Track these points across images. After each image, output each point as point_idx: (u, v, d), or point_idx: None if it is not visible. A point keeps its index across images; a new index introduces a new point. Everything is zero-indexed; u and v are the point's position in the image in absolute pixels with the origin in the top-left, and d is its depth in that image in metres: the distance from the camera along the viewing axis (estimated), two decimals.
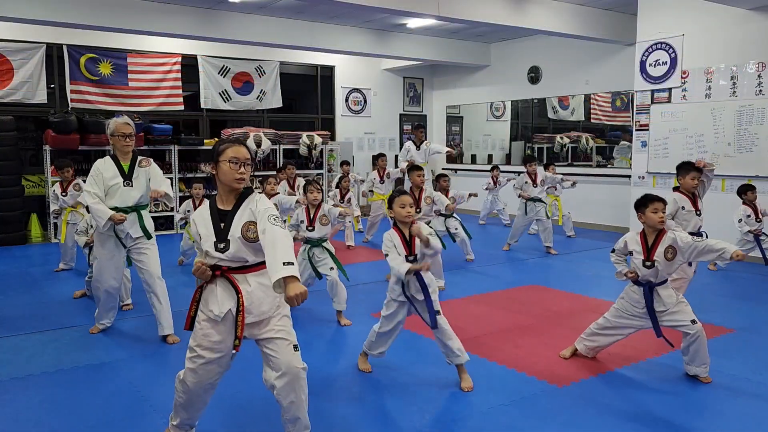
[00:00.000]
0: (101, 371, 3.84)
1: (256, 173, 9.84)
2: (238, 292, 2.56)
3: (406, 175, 6.51)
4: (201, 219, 2.65)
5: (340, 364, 3.96)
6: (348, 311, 4.91)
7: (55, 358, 4.06)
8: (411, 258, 3.46)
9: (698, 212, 4.82)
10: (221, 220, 2.60)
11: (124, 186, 4.28)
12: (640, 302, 3.65)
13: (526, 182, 7.85)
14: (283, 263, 2.28)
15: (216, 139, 10.37)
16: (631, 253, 3.71)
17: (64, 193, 6.56)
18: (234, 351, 2.66)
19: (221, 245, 2.56)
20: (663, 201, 3.67)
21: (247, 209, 2.60)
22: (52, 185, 7.02)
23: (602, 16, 8.94)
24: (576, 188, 8.79)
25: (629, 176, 8.79)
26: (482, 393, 3.45)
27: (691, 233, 4.37)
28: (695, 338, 3.55)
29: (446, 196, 6.44)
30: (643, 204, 3.71)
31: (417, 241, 3.45)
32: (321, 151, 11.04)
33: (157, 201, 4.75)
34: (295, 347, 2.62)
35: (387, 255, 3.48)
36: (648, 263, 3.59)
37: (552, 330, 4.64)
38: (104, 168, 4.28)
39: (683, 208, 4.80)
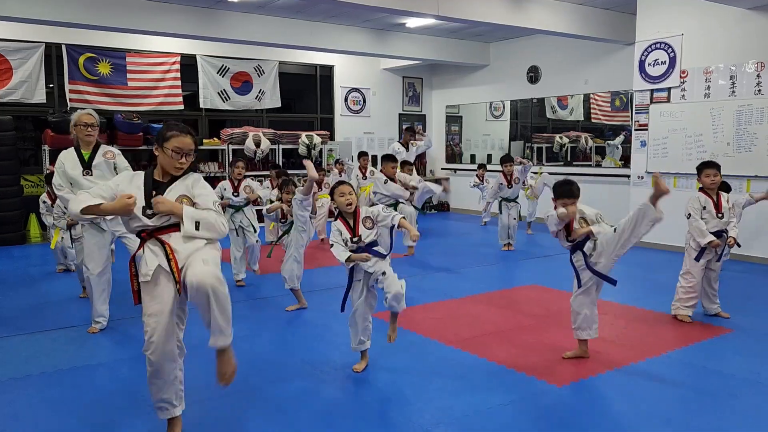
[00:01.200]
0: (100, 371, 3.83)
1: (256, 173, 9.85)
2: (163, 243, 2.70)
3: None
4: (131, 184, 2.77)
5: (336, 365, 3.95)
6: (333, 314, 4.92)
7: (54, 359, 4.05)
8: (356, 239, 3.64)
9: (720, 215, 4.75)
10: (154, 189, 2.74)
11: (84, 175, 4.35)
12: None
13: (501, 184, 8.06)
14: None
15: (215, 139, 10.39)
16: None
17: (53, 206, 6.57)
18: (178, 294, 2.72)
19: (149, 211, 2.71)
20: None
21: (183, 184, 2.79)
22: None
23: (601, 15, 8.94)
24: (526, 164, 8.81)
25: (628, 176, 8.80)
26: (482, 393, 3.45)
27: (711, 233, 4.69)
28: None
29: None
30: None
31: (360, 224, 3.68)
32: (320, 151, 11.04)
33: None
34: (204, 261, 2.65)
35: (332, 246, 3.66)
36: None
37: (552, 330, 4.64)
38: (65, 159, 4.39)
39: (704, 207, 4.76)
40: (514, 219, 8.07)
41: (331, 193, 3.77)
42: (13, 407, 3.32)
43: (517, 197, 8.18)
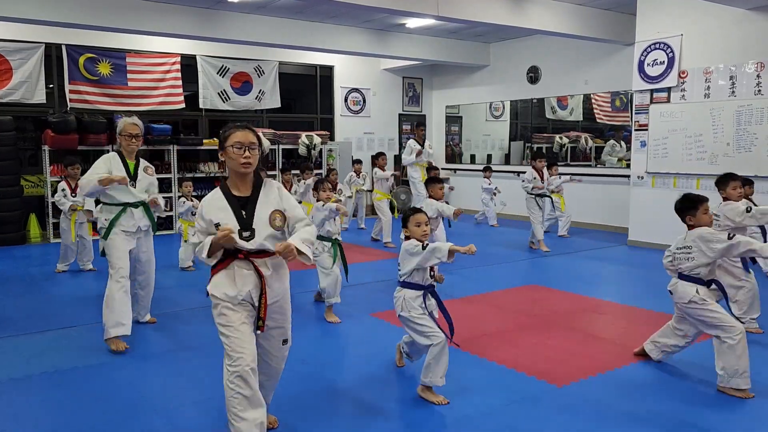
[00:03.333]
0: (101, 371, 3.83)
1: None
2: (260, 275, 2.58)
3: (425, 187, 6.27)
4: (215, 206, 2.58)
5: (339, 364, 3.96)
6: (348, 311, 4.91)
7: (54, 359, 4.05)
8: (431, 273, 3.47)
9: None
10: (242, 207, 2.57)
11: (129, 185, 4.42)
12: None
13: (534, 177, 8.02)
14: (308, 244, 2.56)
15: (215, 139, 10.38)
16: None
17: (74, 194, 6.54)
18: (259, 331, 2.63)
19: (246, 234, 2.54)
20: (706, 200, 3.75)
21: (270, 197, 2.62)
22: (53, 189, 6.94)
23: (601, 16, 8.94)
24: (577, 184, 8.97)
25: (628, 176, 8.80)
26: (482, 393, 3.45)
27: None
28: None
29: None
30: (692, 207, 3.70)
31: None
32: (320, 151, 11.05)
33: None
34: (285, 341, 2.76)
35: (425, 246, 3.34)
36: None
37: (551, 330, 4.64)
38: (114, 161, 4.42)
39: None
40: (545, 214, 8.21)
41: (405, 220, 3.48)
42: (13, 407, 3.33)
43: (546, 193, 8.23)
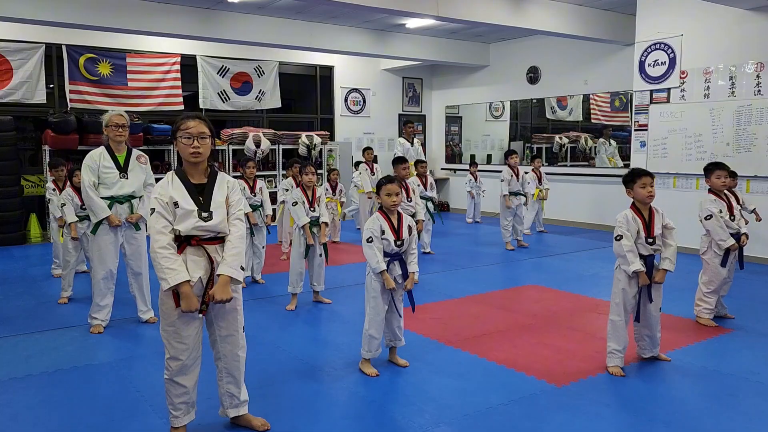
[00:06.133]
0: (101, 371, 3.83)
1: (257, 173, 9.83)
2: (211, 261, 2.71)
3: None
4: (174, 188, 2.71)
5: (337, 364, 3.96)
6: (342, 310, 4.92)
7: (54, 358, 4.05)
8: (399, 242, 3.61)
9: (732, 217, 4.64)
10: (198, 193, 2.72)
11: (120, 178, 4.45)
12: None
13: (511, 176, 8.02)
14: (239, 264, 2.72)
15: (216, 139, 10.37)
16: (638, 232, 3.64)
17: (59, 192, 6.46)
18: (200, 315, 2.75)
19: (205, 215, 2.69)
20: (651, 175, 3.66)
21: (223, 185, 2.79)
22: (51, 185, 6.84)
23: (601, 16, 8.95)
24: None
25: None
26: (482, 393, 3.45)
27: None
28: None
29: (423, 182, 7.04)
30: (631, 180, 3.68)
31: (404, 226, 3.64)
32: (320, 151, 11.05)
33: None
34: (242, 336, 2.91)
35: (369, 240, 3.59)
36: (650, 240, 3.62)
37: (551, 329, 4.65)
38: (99, 158, 4.43)
39: (720, 210, 4.60)
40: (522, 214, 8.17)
41: (378, 188, 3.72)
42: (13, 407, 3.32)
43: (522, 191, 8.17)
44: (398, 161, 6.12)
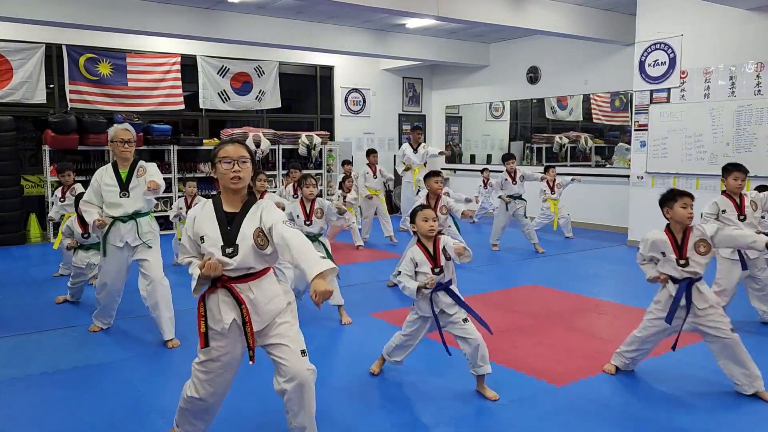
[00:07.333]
0: (101, 371, 3.84)
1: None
2: (240, 302, 2.48)
3: (422, 181, 6.23)
4: (204, 218, 2.52)
5: (337, 364, 3.96)
6: (347, 311, 4.91)
7: (54, 359, 4.05)
8: (437, 270, 3.35)
9: (742, 217, 4.56)
10: (228, 223, 2.49)
11: (121, 197, 4.27)
12: (676, 300, 3.38)
13: (506, 180, 7.96)
14: (321, 257, 2.30)
15: (215, 139, 10.40)
16: (663, 254, 3.43)
17: (62, 199, 6.43)
18: (250, 362, 2.56)
19: (229, 250, 2.45)
20: (691, 196, 3.41)
21: (256, 215, 2.50)
22: (53, 189, 6.83)
23: (601, 16, 8.95)
24: (577, 184, 8.94)
25: (628, 176, 8.80)
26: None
27: None
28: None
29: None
30: (671, 198, 3.42)
31: (441, 253, 3.38)
32: (320, 151, 11.05)
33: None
34: (303, 352, 2.52)
35: (399, 273, 3.41)
36: (682, 262, 3.38)
37: (551, 330, 4.65)
38: (102, 177, 4.30)
39: (724, 211, 4.56)
40: (525, 217, 7.93)
41: (412, 215, 3.45)
42: (13, 407, 3.33)
43: (522, 196, 7.98)
44: (431, 175, 5.71)
